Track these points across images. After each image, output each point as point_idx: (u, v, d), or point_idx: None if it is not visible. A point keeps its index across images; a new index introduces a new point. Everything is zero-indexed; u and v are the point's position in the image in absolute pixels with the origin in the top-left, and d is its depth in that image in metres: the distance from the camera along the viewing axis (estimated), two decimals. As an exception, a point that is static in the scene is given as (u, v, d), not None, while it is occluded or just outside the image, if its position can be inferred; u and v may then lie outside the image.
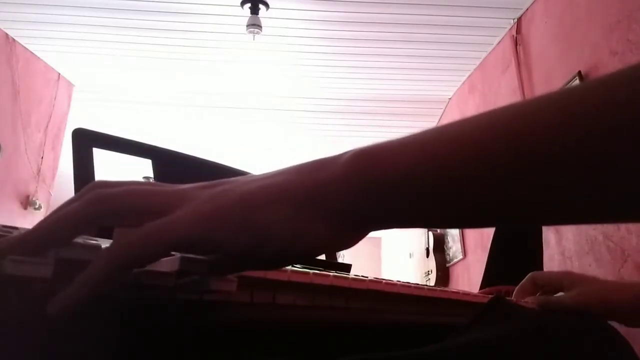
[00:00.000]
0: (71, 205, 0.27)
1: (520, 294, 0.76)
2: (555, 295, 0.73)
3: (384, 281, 0.48)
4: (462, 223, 0.31)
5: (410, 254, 4.65)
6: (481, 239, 3.14)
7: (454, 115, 3.77)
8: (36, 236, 0.26)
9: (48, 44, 3.28)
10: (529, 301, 0.74)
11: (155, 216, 0.26)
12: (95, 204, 0.27)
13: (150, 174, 0.73)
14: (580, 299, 0.68)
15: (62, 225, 0.26)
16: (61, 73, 3.65)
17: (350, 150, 0.27)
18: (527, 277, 0.77)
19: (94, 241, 0.28)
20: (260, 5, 2.76)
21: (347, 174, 0.26)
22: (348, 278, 0.44)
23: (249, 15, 2.76)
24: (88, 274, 0.25)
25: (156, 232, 0.26)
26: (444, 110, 3.97)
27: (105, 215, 0.27)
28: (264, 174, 0.29)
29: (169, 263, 0.29)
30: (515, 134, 0.24)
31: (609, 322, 0.62)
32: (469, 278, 3.38)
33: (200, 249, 0.28)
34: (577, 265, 2.14)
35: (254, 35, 2.80)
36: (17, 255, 0.24)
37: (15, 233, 0.27)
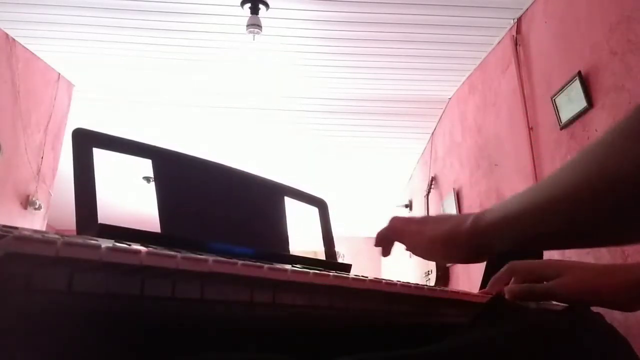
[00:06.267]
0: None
1: (496, 285, 0.73)
2: (539, 284, 0.68)
3: (384, 281, 0.48)
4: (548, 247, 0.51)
5: (410, 254, 4.64)
6: (481, 239, 3.13)
7: (453, 115, 3.77)
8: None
9: (48, 44, 3.28)
10: (504, 290, 0.69)
11: None
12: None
13: (150, 174, 0.73)
14: (568, 287, 0.64)
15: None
16: (61, 73, 3.65)
17: (470, 217, 0.51)
18: (504, 267, 0.73)
19: (94, 241, 0.28)
20: (260, 5, 2.76)
21: (469, 236, 0.50)
22: (348, 278, 0.44)
23: (249, 15, 2.76)
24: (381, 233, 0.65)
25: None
26: (444, 110, 3.97)
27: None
28: (433, 220, 0.59)
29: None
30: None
31: (603, 309, 0.60)
32: (469, 278, 3.38)
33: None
34: (577, 265, 2.13)
35: (254, 35, 2.80)
36: None
37: (16, 233, 0.27)
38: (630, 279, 0.62)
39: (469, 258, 0.51)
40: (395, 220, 0.64)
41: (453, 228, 0.52)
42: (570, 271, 0.65)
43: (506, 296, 0.68)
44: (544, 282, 0.68)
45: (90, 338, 0.28)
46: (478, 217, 0.49)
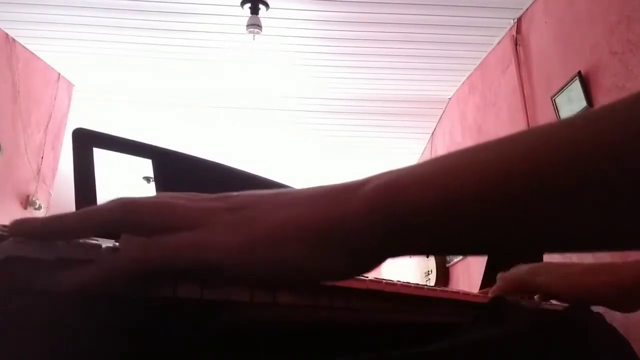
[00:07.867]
0: (98, 206, 0.27)
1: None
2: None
3: (384, 281, 0.48)
4: (481, 251, 0.29)
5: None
6: (481, 238, 3.13)
7: (454, 115, 3.77)
8: (55, 222, 0.26)
9: (48, 44, 3.28)
10: (490, 290, 0.71)
11: (178, 232, 0.26)
12: (122, 209, 0.27)
13: (150, 174, 0.73)
14: (546, 286, 0.64)
15: (83, 219, 0.27)
16: (61, 73, 3.65)
17: (369, 182, 0.27)
18: (497, 282, 0.74)
19: (94, 241, 0.28)
20: (260, 5, 2.76)
21: (368, 213, 0.25)
22: (348, 278, 0.44)
23: (249, 15, 2.76)
24: (107, 268, 0.25)
25: (190, 248, 0.25)
26: (444, 110, 3.97)
27: (129, 223, 0.27)
28: (284, 195, 0.28)
29: None
30: (535, 166, 0.23)
31: (603, 309, 0.59)
32: (469, 278, 3.38)
33: (222, 276, 0.26)
34: (577, 265, 2.13)
35: (254, 35, 2.80)
36: (27, 237, 0.25)
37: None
38: (610, 280, 0.61)
39: (364, 268, 0.27)
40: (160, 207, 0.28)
41: (334, 211, 0.26)
42: (551, 271, 0.65)
43: (490, 295, 0.69)
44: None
45: (90, 338, 0.28)
46: (388, 202, 0.25)
